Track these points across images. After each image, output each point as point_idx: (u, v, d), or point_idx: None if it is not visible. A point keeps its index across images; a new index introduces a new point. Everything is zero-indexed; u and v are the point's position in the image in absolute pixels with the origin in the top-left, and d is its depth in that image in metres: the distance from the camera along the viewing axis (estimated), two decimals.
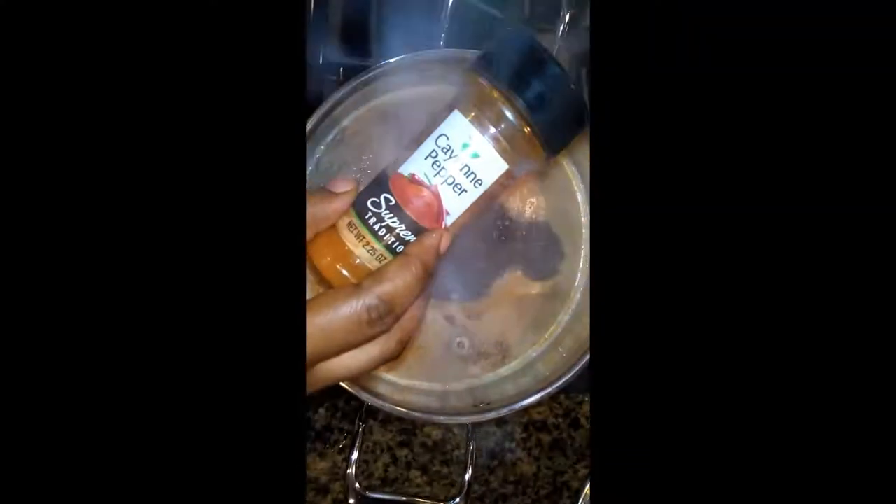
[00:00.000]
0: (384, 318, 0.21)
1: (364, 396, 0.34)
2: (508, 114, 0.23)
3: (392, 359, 0.24)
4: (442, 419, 0.35)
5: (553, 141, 0.24)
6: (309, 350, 0.20)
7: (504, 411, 0.35)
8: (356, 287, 0.21)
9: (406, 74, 0.34)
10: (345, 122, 0.38)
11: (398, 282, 0.21)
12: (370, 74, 0.32)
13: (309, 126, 0.34)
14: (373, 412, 0.46)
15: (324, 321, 0.20)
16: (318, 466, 0.44)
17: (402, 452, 0.45)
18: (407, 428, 0.45)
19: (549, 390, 0.35)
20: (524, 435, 0.47)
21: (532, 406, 0.47)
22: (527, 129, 0.23)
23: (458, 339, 0.40)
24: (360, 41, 0.40)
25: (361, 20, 0.39)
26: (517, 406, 0.35)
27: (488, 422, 0.46)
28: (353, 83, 0.32)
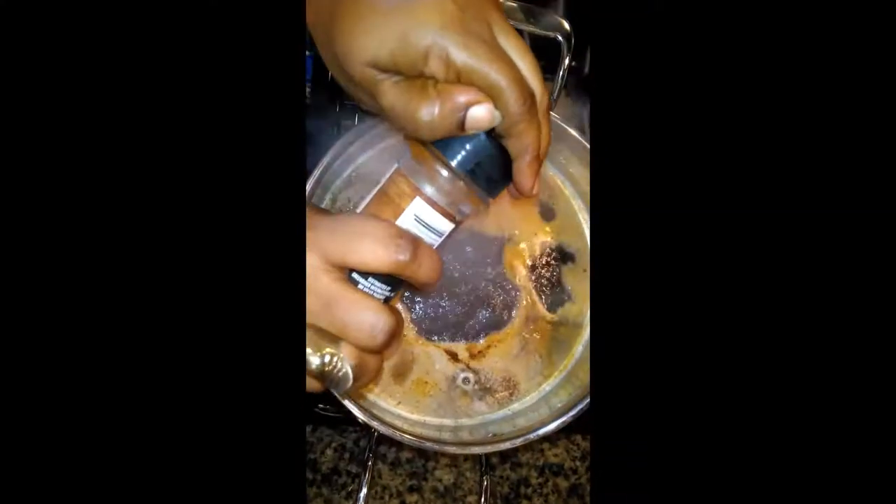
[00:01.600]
0: (406, 250, 0.24)
1: (374, 424, 0.33)
2: (444, 172, 0.26)
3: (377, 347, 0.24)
4: (453, 449, 0.34)
5: (490, 190, 0.27)
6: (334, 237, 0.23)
7: (519, 441, 0.34)
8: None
9: None
10: (360, 160, 0.40)
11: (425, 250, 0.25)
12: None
13: (324, 162, 0.36)
14: (381, 455, 0.44)
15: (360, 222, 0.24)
16: None
17: (412, 498, 0.43)
18: (417, 471, 0.44)
19: (564, 418, 0.34)
20: (540, 480, 0.45)
21: (548, 444, 0.46)
22: (461, 184, 0.26)
23: (462, 375, 0.39)
24: None
25: None
26: (532, 436, 0.34)
27: (501, 466, 0.45)
28: (363, 125, 0.35)
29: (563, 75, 0.40)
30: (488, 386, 0.40)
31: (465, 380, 0.39)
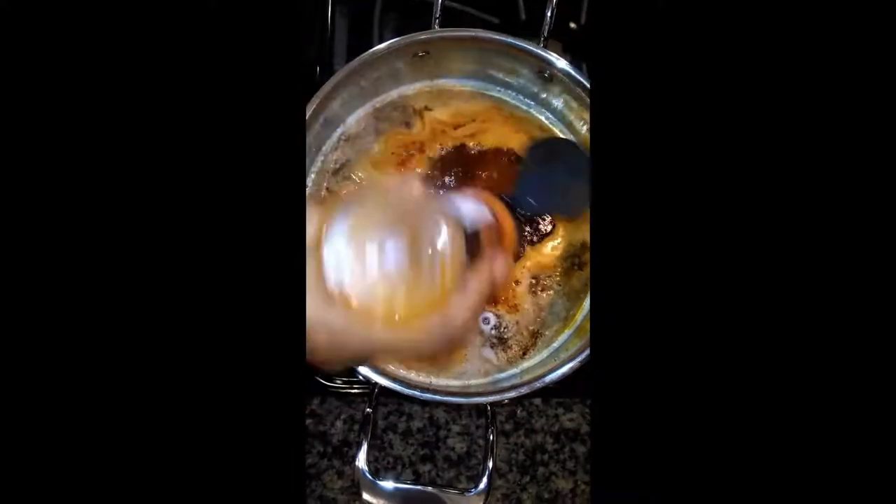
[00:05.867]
0: None
1: (376, 378, 0.32)
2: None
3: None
4: (459, 400, 0.33)
5: None
6: None
7: (524, 390, 0.33)
8: None
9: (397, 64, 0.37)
10: (348, 121, 0.40)
11: None
12: (361, 58, 0.34)
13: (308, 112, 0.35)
14: (392, 425, 0.43)
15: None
16: (335, 485, 0.42)
17: (426, 467, 0.42)
18: (429, 440, 0.43)
19: (572, 364, 0.33)
20: (556, 446, 0.43)
21: (562, 409, 0.44)
22: None
23: (484, 315, 0.39)
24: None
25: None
26: (538, 384, 0.33)
27: (516, 433, 0.43)
28: (345, 68, 0.34)
29: (547, 26, 0.39)
30: (506, 337, 0.39)
31: (486, 319, 0.38)
